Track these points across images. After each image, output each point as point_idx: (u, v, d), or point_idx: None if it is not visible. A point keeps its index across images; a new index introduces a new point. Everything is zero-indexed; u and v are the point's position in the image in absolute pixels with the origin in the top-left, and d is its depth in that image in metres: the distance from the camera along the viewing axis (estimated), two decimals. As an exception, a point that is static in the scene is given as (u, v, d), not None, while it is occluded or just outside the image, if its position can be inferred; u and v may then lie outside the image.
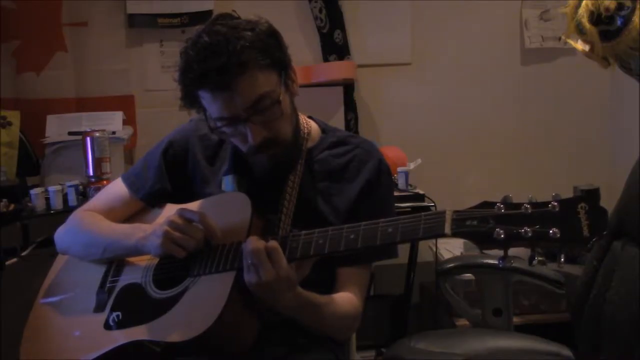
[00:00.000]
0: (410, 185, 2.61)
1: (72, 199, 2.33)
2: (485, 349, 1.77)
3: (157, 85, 3.01)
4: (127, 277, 1.49)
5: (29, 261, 2.20)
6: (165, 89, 2.41)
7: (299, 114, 1.55)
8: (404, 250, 2.68)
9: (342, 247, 1.27)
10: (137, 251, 1.47)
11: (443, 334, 2.13)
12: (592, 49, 2.02)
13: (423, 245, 2.84)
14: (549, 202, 1.10)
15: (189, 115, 1.59)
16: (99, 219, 1.60)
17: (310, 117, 1.61)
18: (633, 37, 1.89)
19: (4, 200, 2.22)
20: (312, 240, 1.30)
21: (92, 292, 1.51)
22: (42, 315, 1.57)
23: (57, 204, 2.30)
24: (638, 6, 1.88)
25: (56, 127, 2.68)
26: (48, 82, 2.91)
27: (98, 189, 2.08)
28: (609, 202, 1.49)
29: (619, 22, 1.93)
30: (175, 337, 1.32)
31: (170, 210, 1.55)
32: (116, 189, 1.65)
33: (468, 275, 2.63)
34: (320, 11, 3.05)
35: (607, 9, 1.93)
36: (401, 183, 2.59)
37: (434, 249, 2.72)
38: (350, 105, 3.08)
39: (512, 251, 1.15)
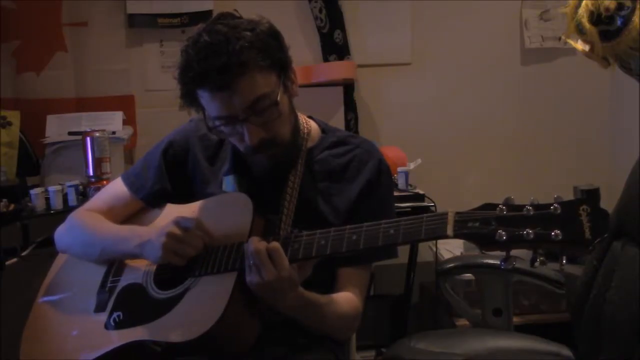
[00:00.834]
0: (410, 185, 2.61)
1: (72, 199, 2.33)
2: (485, 349, 1.77)
3: (157, 85, 3.01)
4: (128, 277, 1.49)
5: (29, 261, 2.20)
6: (165, 89, 2.41)
7: (299, 114, 1.55)
8: (404, 250, 2.67)
9: (344, 248, 1.27)
10: (135, 257, 1.48)
11: (443, 334, 2.13)
12: (592, 49, 2.02)
13: (423, 245, 2.83)
14: (551, 204, 1.10)
15: (189, 116, 1.58)
16: (98, 219, 1.60)
17: (310, 117, 1.61)
18: (633, 37, 1.88)
19: (4, 200, 2.22)
20: (313, 241, 1.30)
21: (92, 292, 1.51)
22: (42, 315, 1.57)
23: (57, 204, 2.30)
24: (638, 6, 1.88)
25: (56, 127, 2.68)
26: (48, 82, 2.90)
27: (98, 189, 2.07)
28: (609, 202, 1.50)
29: (619, 22, 1.93)
30: (176, 337, 1.32)
31: (170, 210, 1.55)
32: (116, 189, 1.65)
33: (468, 275, 2.63)
34: (320, 11, 3.05)
35: (607, 9, 1.92)
36: (401, 183, 2.59)
37: (434, 249, 2.72)
38: (350, 105, 3.07)
39: (512, 252, 1.15)
